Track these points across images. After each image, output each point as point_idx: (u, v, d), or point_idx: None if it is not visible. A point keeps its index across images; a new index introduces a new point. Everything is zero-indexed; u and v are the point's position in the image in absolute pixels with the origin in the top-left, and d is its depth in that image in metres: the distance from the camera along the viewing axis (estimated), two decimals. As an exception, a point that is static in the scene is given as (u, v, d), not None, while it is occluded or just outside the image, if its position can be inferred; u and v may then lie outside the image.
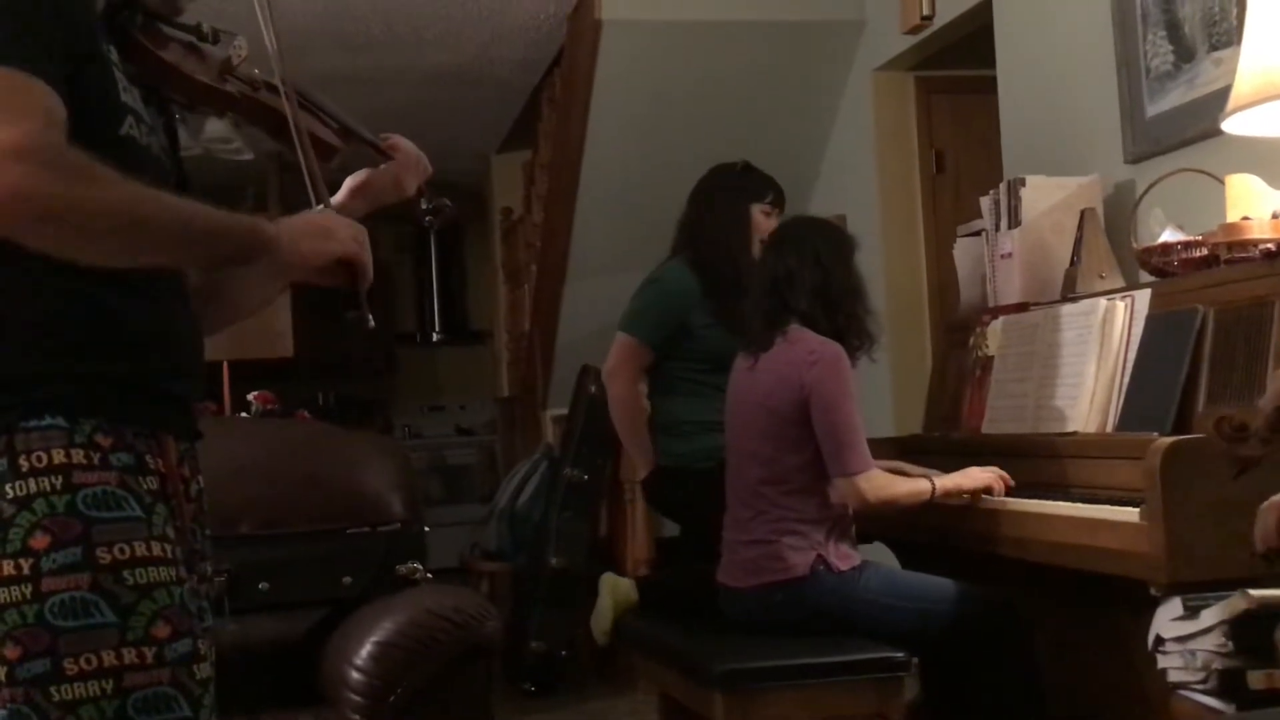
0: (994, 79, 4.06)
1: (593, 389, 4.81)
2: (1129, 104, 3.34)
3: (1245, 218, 2.61)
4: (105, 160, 1.37)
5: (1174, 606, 2.14)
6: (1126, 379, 2.71)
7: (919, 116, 4.95)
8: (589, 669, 4.96)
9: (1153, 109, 3.25)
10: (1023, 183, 3.33)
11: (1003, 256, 3.35)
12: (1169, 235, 2.87)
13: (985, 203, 3.46)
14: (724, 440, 3.08)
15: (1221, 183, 2.76)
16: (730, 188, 3.70)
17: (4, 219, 1.32)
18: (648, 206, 4.98)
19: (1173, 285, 2.74)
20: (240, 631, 2.60)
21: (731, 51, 5.01)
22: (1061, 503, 2.57)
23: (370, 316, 1.58)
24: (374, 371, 9.31)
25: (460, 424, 9.38)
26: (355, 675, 2.48)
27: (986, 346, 3.24)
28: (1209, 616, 2.05)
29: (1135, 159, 3.32)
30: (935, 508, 2.88)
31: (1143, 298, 2.75)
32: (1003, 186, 3.41)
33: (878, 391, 4.58)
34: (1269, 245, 2.53)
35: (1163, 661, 2.16)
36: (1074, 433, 2.78)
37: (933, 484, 2.83)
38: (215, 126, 5.41)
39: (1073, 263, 3.15)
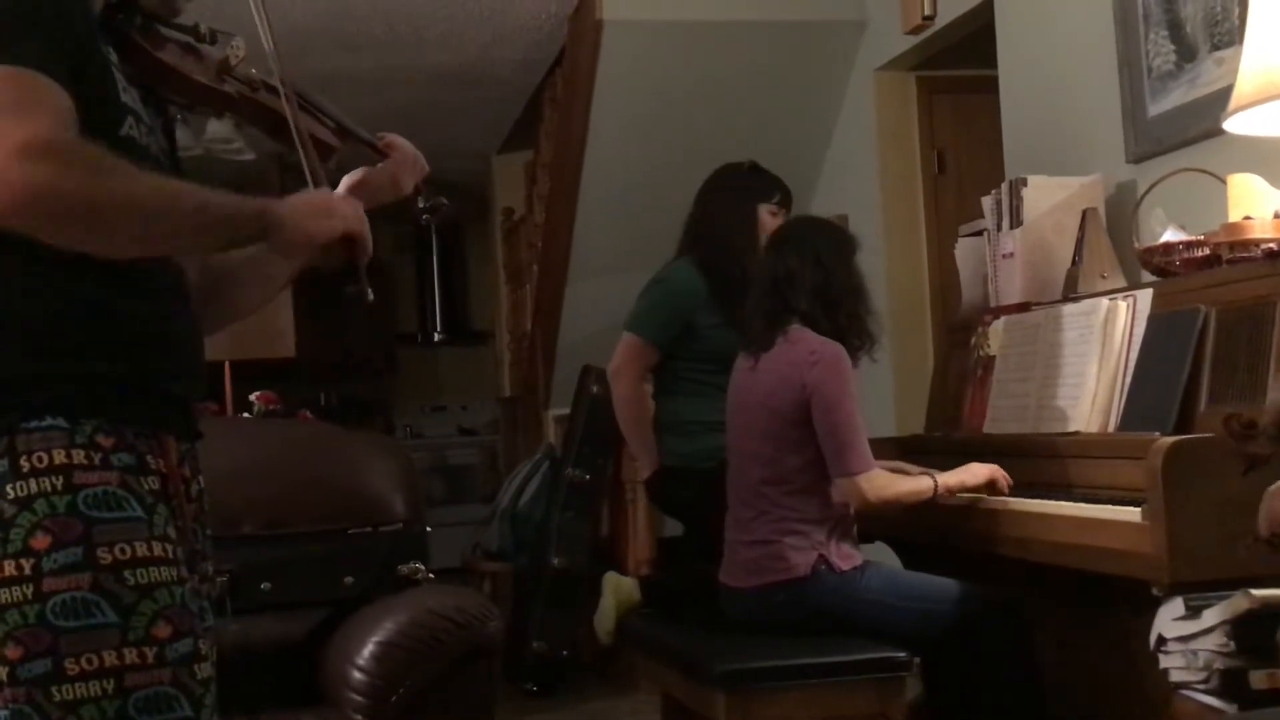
0: (995, 79, 4.06)
1: (594, 389, 4.81)
2: (1130, 103, 3.33)
3: (1247, 217, 2.61)
4: None
5: (1176, 606, 2.14)
6: (1128, 379, 2.71)
7: (920, 116, 4.95)
8: (590, 669, 4.96)
9: (1154, 108, 3.25)
10: (1024, 182, 3.33)
11: (1004, 256, 3.35)
12: (1171, 235, 2.87)
13: (987, 202, 3.46)
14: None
15: (1223, 182, 2.76)
16: (737, 187, 3.70)
17: (26, 216, 1.33)
18: (649, 206, 4.99)
19: (1174, 285, 2.73)
20: (242, 631, 2.59)
21: (733, 51, 5.01)
22: (1063, 503, 2.57)
23: (369, 290, 1.60)
24: (376, 372, 9.32)
25: (462, 424, 9.39)
26: (357, 675, 2.48)
27: (988, 346, 3.24)
28: (1211, 616, 2.05)
29: (1137, 159, 3.32)
30: (937, 507, 2.88)
31: (1144, 297, 2.75)
32: (1004, 186, 3.41)
33: (879, 391, 4.58)
34: (1271, 245, 2.53)
35: (1164, 661, 2.16)
36: (1076, 433, 2.78)
37: (934, 482, 2.83)
38: (216, 127, 5.41)
39: (1074, 263, 3.15)
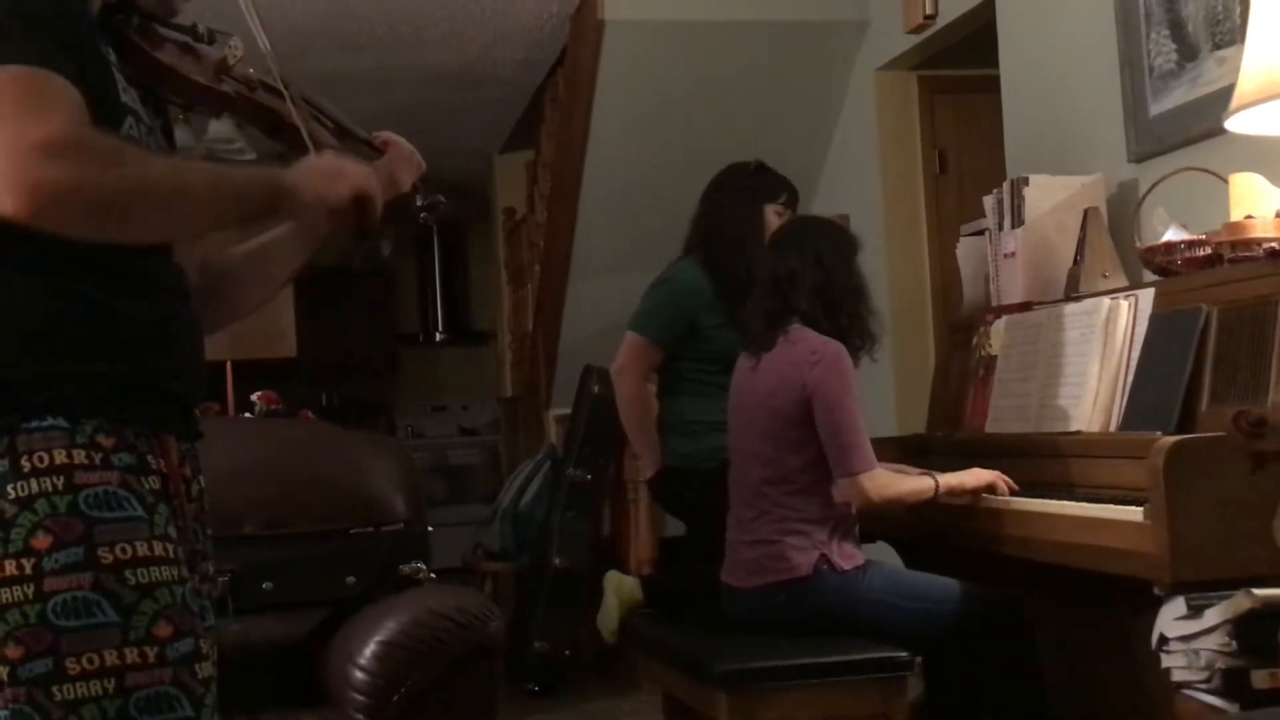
0: (997, 78, 4.06)
1: (596, 389, 4.81)
2: (1132, 103, 3.33)
3: (1249, 216, 2.60)
4: None
5: (1177, 606, 2.14)
6: (1130, 378, 2.71)
7: (922, 116, 4.95)
8: (592, 669, 4.96)
9: (1156, 108, 3.25)
10: (1026, 182, 3.32)
11: (1006, 256, 3.35)
12: (1172, 234, 2.87)
13: (988, 202, 3.46)
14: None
15: (1225, 181, 2.76)
16: (743, 187, 3.69)
17: (52, 215, 1.34)
18: (650, 206, 4.99)
19: (1176, 284, 2.73)
20: (243, 631, 2.60)
21: (734, 51, 5.01)
22: (1065, 502, 2.57)
23: (385, 244, 1.61)
24: (377, 371, 9.33)
25: (463, 424, 9.39)
26: (359, 675, 2.48)
27: (990, 346, 3.24)
28: (1213, 616, 2.05)
29: (1138, 158, 3.32)
30: (939, 507, 2.87)
31: (1146, 297, 2.74)
32: (1006, 186, 3.41)
33: (881, 391, 4.58)
34: (1273, 244, 2.53)
35: (1166, 661, 2.15)
36: (1077, 432, 2.78)
37: (936, 482, 2.83)
38: (218, 127, 5.42)
39: (1076, 262, 3.15)
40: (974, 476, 2.82)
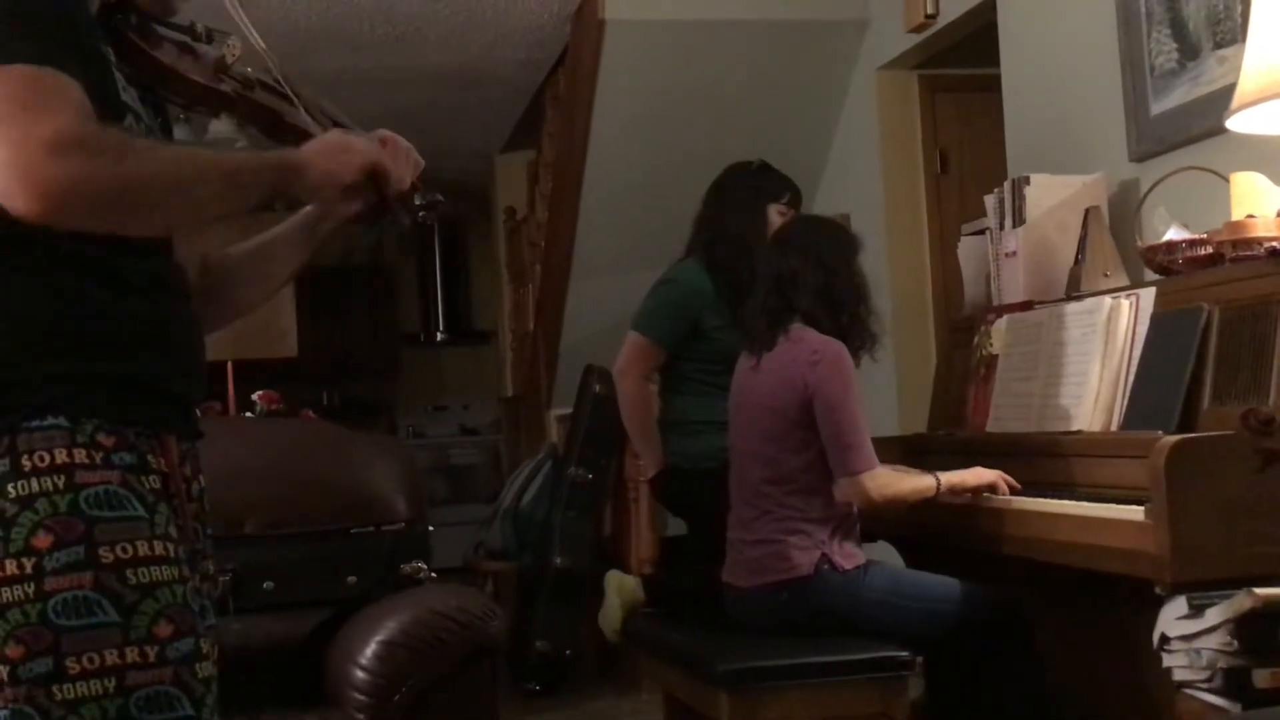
0: (998, 77, 4.06)
1: (597, 388, 4.81)
2: (1133, 102, 3.33)
3: (1250, 216, 2.60)
4: None
5: (1179, 605, 2.14)
6: (1131, 377, 2.71)
7: (923, 115, 4.95)
8: (593, 669, 4.96)
9: (1157, 107, 3.25)
10: (1027, 181, 3.32)
11: (1007, 255, 3.35)
12: (1174, 233, 2.87)
13: (989, 201, 3.46)
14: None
15: (1226, 181, 2.76)
16: (747, 187, 3.68)
17: (65, 211, 1.34)
18: (651, 206, 4.99)
19: (1177, 283, 2.73)
20: (244, 631, 2.60)
21: (735, 51, 5.01)
22: (1066, 502, 2.57)
23: (405, 219, 1.61)
24: (378, 371, 9.33)
25: (464, 424, 9.39)
26: (360, 675, 2.48)
27: (991, 345, 3.24)
28: (1214, 615, 2.05)
29: (1140, 157, 3.32)
30: (940, 507, 2.87)
31: (1147, 296, 2.74)
32: (1007, 185, 3.41)
33: (882, 391, 4.58)
34: (1274, 243, 2.53)
35: (1168, 660, 2.15)
36: (1079, 431, 2.77)
37: (938, 481, 2.83)
38: (219, 126, 5.41)
39: (1077, 261, 3.15)
40: (976, 475, 2.82)
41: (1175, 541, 2.17)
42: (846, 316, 2.92)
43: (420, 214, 1.67)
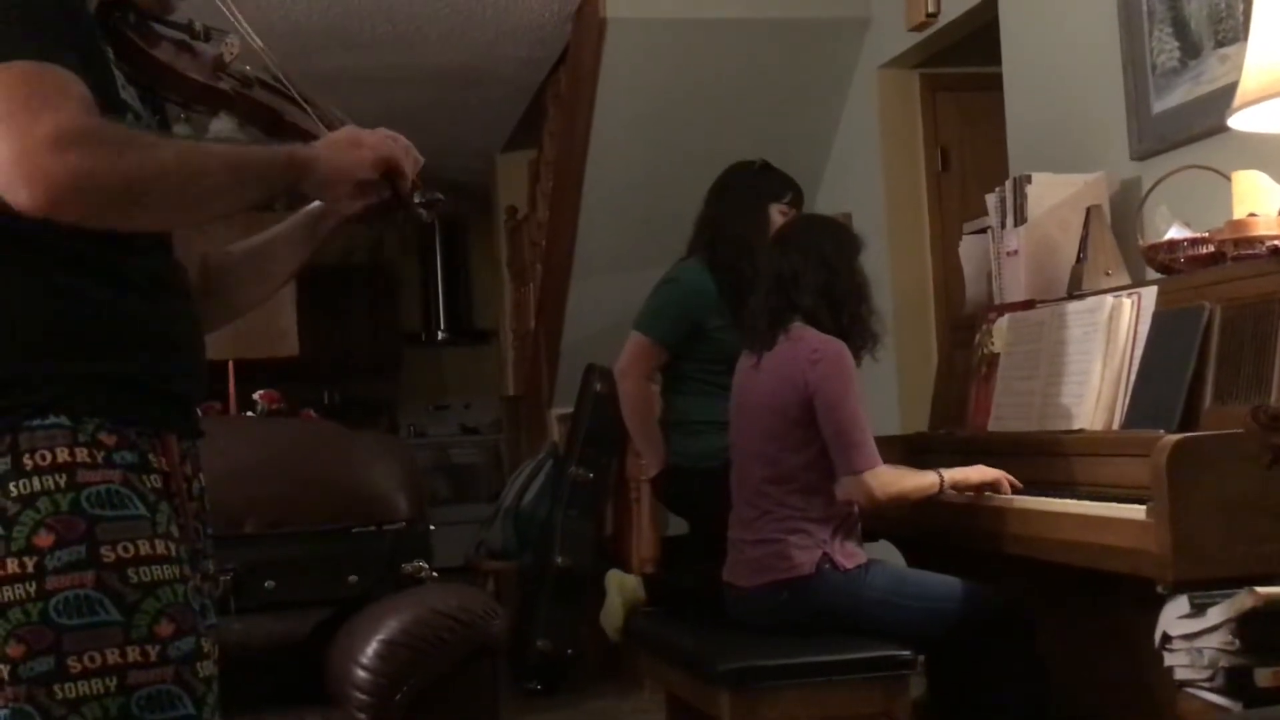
0: (999, 76, 4.06)
1: (598, 387, 4.81)
2: (1135, 100, 3.33)
3: (1252, 214, 2.60)
4: None
5: (1181, 604, 2.14)
6: (1133, 376, 2.71)
7: (924, 114, 4.95)
8: (595, 668, 4.96)
9: (1159, 105, 3.25)
10: (1028, 180, 3.32)
11: (1008, 254, 3.35)
12: (1175, 232, 2.87)
13: (991, 200, 3.46)
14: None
15: (1228, 179, 2.75)
16: (748, 187, 3.68)
17: (70, 205, 1.34)
18: (653, 204, 4.99)
19: (1179, 282, 2.73)
20: (245, 630, 2.60)
21: (736, 49, 5.00)
22: (1068, 500, 2.57)
23: (423, 211, 1.60)
24: (379, 370, 9.33)
25: (465, 423, 9.39)
26: (361, 674, 2.48)
27: (992, 344, 3.23)
28: (1216, 614, 2.04)
29: (1141, 156, 3.31)
30: (941, 506, 2.87)
31: (1149, 295, 2.74)
32: (1008, 184, 3.40)
33: (883, 390, 4.58)
34: (1275, 242, 2.53)
35: (1169, 659, 2.15)
36: (1080, 430, 2.77)
37: (941, 478, 2.82)
38: (220, 125, 5.40)
39: (1079, 260, 3.15)
40: (979, 472, 2.82)
41: (1177, 540, 2.17)
42: (847, 316, 2.91)
43: (420, 211, 1.67)
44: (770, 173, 3.73)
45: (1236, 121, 2.50)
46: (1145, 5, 3.28)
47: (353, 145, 1.56)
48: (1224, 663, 2.03)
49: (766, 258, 3.10)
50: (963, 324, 3.55)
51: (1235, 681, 2.02)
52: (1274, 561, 2.14)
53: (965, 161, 4.90)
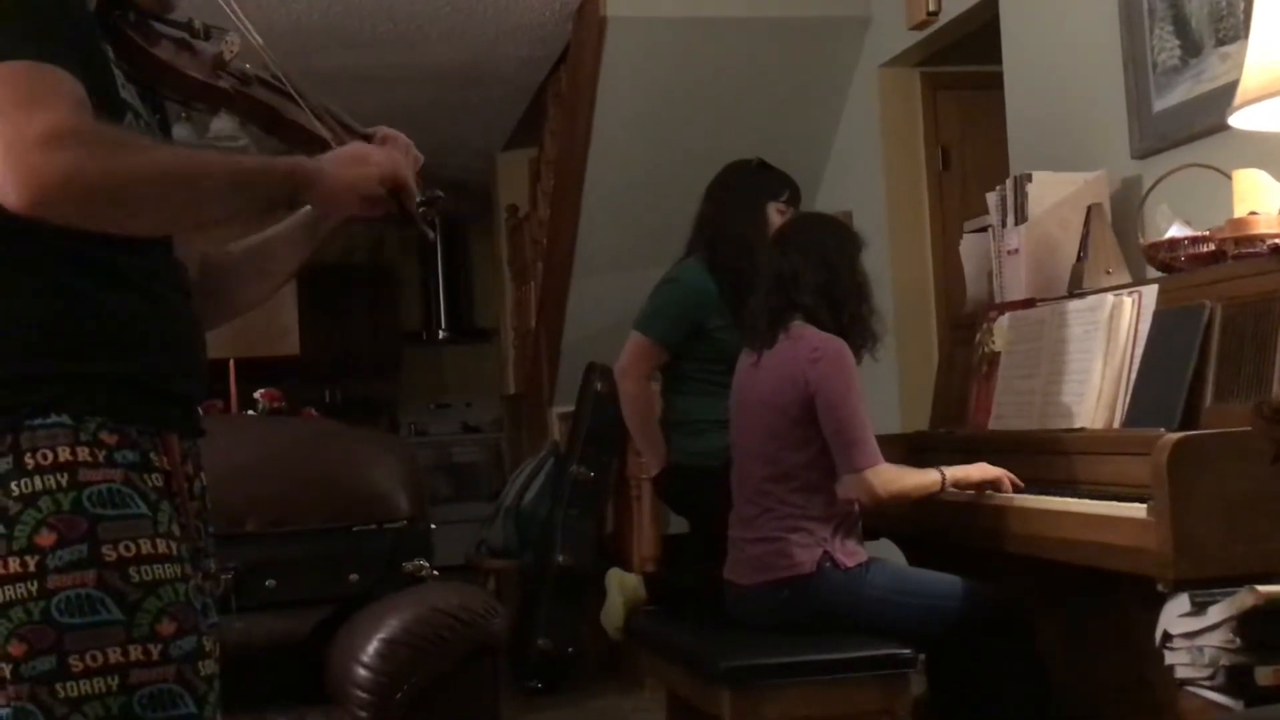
0: (1000, 75, 4.06)
1: (599, 386, 4.81)
2: (1135, 99, 3.33)
3: (1253, 213, 2.60)
4: None
5: (1181, 602, 2.14)
6: (1133, 375, 2.71)
7: (925, 112, 4.95)
8: (595, 666, 4.96)
9: (1159, 104, 3.24)
10: (1029, 178, 3.32)
11: (1009, 252, 3.35)
12: (1176, 230, 2.87)
13: (992, 199, 3.46)
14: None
15: (1229, 178, 2.75)
16: (745, 186, 3.68)
17: (58, 204, 1.34)
18: (653, 203, 4.99)
19: (1180, 281, 2.73)
20: (246, 629, 2.60)
21: (736, 48, 5.00)
22: (1069, 499, 2.57)
23: (429, 230, 1.60)
24: (380, 369, 9.33)
25: (466, 421, 9.39)
26: (362, 673, 2.48)
27: (993, 343, 3.23)
28: (1217, 613, 2.05)
29: (1142, 154, 3.31)
30: (942, 504, 2.87)
31: (1150, 293, 2.74)
32: (1009, 182, 3.40)
33: (884, 388, 4.58)
34: (1276, 240, 2.53)
35: (1170, 658, 2.15)
36: (1081, 429, 2.77)
37: (943, 475, 2.83)
38: (221, 124, 5.41)
39: (1079, 258, 3.15)
40: (981, 470, 2.83)
41: (1177, 539, 2.17)
42: (848, 315, 2.91)
43: (421, 210, 1.67)
44: (767, 171, 3.73)
45: (1237, 120, 2.50)
46: (1146, 4, 3.28)
47: (358, 161, 1.56)
48: (1225, 661, 2.03)
49: (767, 256, 3.09)
50: (963, 322, 3.55)
51: (1236, 680, 2.02)
52: (1275, 560, 2.14)
53: (966, 160, 4.90)
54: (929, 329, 4.86)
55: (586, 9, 5.01)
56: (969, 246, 3.66)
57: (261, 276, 1.78)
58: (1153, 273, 2.98)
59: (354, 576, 2.82)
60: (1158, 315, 2.69)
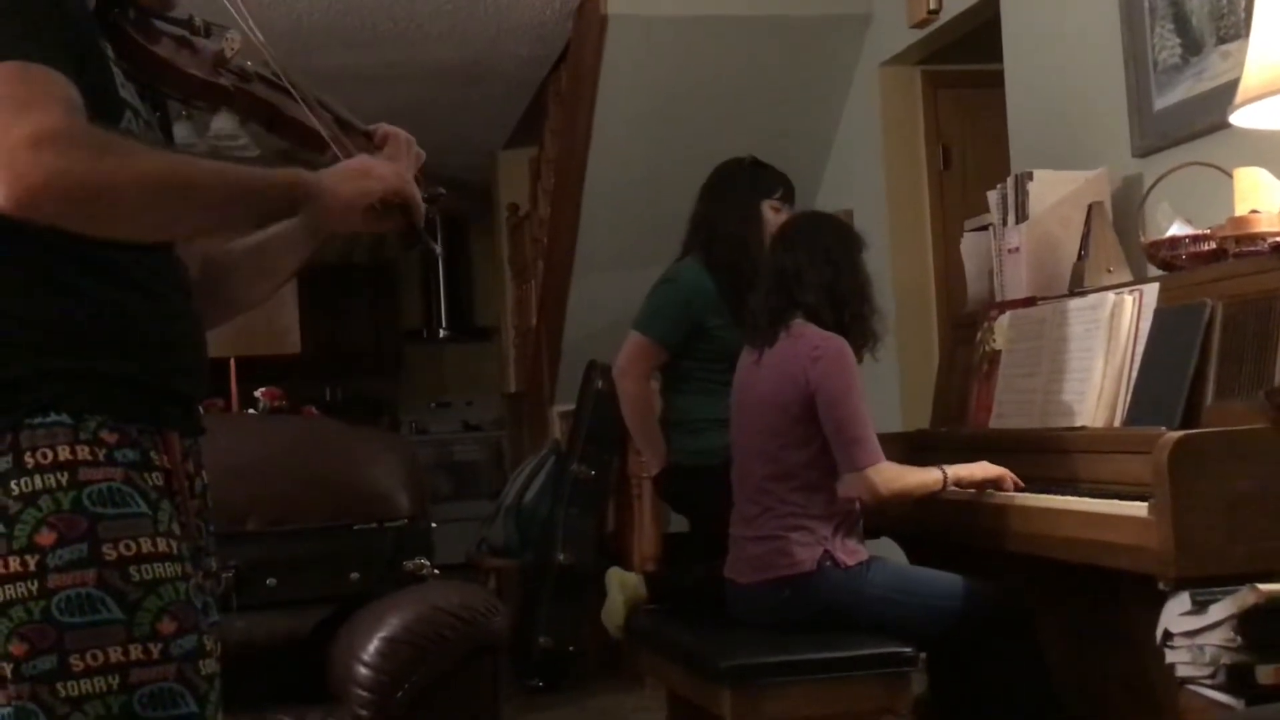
0: (1001, 73, 4.05)
1: (599, 384, 4.81)
2: (1136, 97, 3.33)
3: (1253, 211, 2.60)
4: None
5: (1182, 601, 2.14)
6: (1134, 373, 2.71)
7: (926, 111, 4.94)
8: (596, 665, 4.97)
9: (1160, 102, 3.24)
10: (1030, 177, 3.32)
11: (1010, 251, 3.34)
12: (1177, 229, 2.86)
13: (992, 197, 3.46)
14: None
15: (1230, 176, 2.75)
16: (739, 184, 3.68)
17: (47, 206, 1.33)
18: (654, 202, 4.98)
19: (1181, 279, 2.73)
20: (247, 628, 2.60)
21: (737, 46, 5.00)
22: (1070, 498, 2.57)
23: (436, 245, 1.58)
24: (381, 368, 9.33)
25: (467, 420, 9.39)
26: (363, 671, 2.48)
27: (994, 341, 3.23)
28: (1217, 611, 2.05)
29: (1143, 152, 3.31)
30: (943, 503, 2.87)
31: (1151, 291, 2.74)
32: (1010, 180, 3.40)
33: (885, 387, 4.58)
34: (1277, 238, 2.53)
35: (1171, 656, 2.15)
36: (1082, 427, 2.77)
37: (944, 474, 2.82)
38: (221, 123, 5.41)
39: (1080, 257, 3.15)
40: (982, 469, 2.83)
41: (1178, 537, 2.17)
42: (849, 314, 2.91)
43: (432, 244, 1.66)
44: (761, 169, 3.73)
45: (1238, 118, 2.50)
46: (1147, 2, 3.27)
47: (361, 175, 1.54)
48: (1225, 660, 2.03)
49: (768, 254, 3.09)
50: (964, 321, 3.55)
51: (1237, 678, 2.02)
52: (1276, 558, 2.14)
53: (967, 158, 4.90)
54: (930, 327, 4.86)
55: (587, 7, 5.01)
56: (970, 245, 3.66)
57: (263, 275, 1.78)
58: (1154, 271, 2.98)
59: (355, 575, 2.82)
60: (1159, 314, 2.69)
